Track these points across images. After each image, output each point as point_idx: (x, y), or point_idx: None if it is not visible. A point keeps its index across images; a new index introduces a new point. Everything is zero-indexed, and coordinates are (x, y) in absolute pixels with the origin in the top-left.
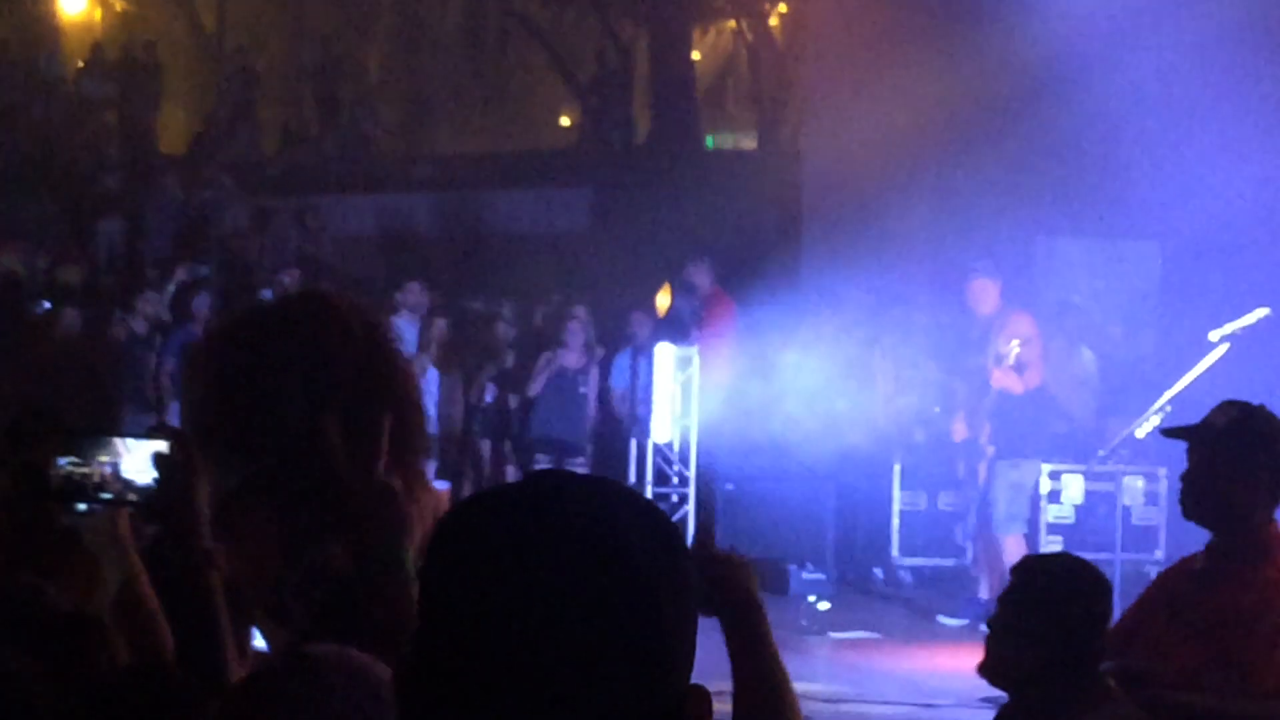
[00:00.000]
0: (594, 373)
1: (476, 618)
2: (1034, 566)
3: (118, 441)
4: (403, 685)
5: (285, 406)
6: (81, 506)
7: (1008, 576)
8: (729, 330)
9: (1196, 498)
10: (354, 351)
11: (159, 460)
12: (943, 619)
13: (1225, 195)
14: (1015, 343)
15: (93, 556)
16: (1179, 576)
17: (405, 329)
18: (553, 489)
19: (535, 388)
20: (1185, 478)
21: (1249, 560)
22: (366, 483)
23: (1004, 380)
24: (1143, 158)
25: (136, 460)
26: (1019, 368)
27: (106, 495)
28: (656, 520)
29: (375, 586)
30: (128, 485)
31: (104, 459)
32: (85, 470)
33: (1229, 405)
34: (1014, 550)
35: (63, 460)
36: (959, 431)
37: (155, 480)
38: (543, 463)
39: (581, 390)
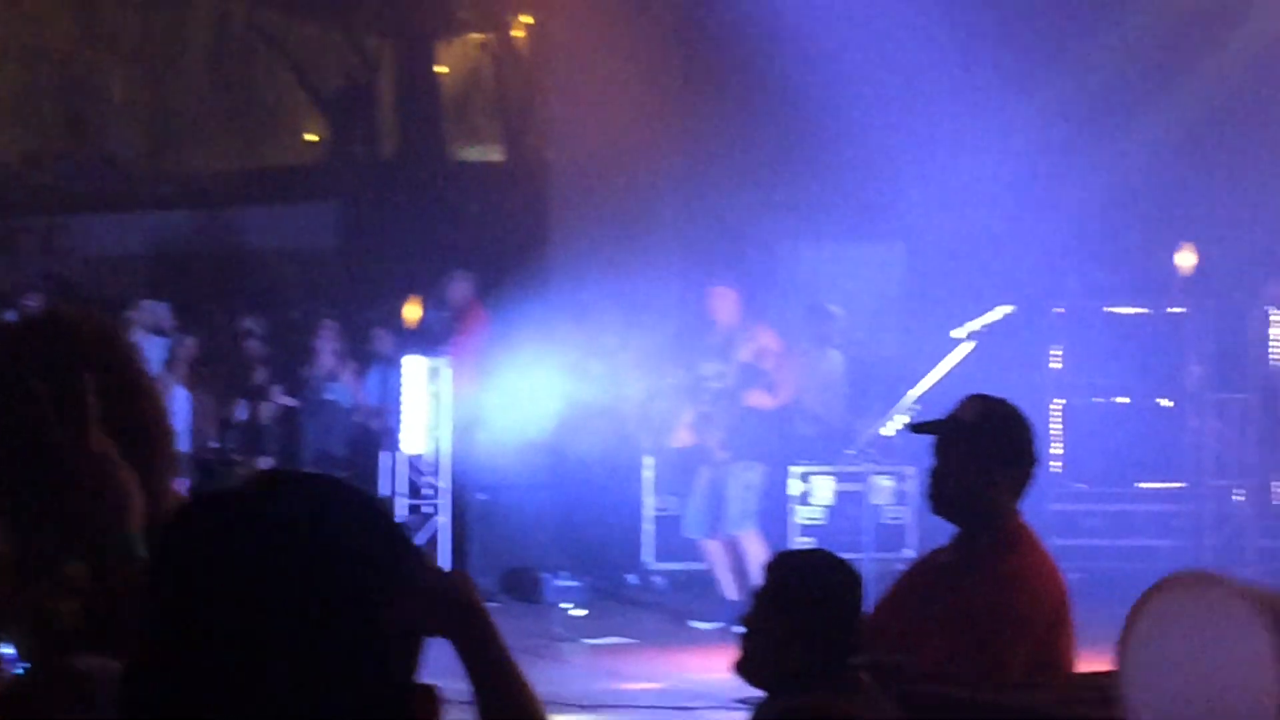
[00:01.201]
0: (346, 383)
1: (193, 611)
2: (785, 563)
3: None
4: (127, 679)
5: (18, 423)
6: None
7: (749, 574)
8: (481, 342)
9: (944, 492)
10: (90, 370)
11: None
12: (695, 623)
13: (965, 196)
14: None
15: None
16: (927, 569)
17: (144, 348)
18: (273, 487)
19: (287, 401)
20: (933, 472)
21: (994, 553)
22: (81, 452)
23: (757, 399)
24: (884, 162)
25: None
26: (771, 386)
27: None
28: (377, 517)
29: (114, 591)
30: None
31: None
32: None
33: (974, 399)
34: (754, 547)
35: None
36: (682, 438)
37: None
38: None
39: (329, 398)
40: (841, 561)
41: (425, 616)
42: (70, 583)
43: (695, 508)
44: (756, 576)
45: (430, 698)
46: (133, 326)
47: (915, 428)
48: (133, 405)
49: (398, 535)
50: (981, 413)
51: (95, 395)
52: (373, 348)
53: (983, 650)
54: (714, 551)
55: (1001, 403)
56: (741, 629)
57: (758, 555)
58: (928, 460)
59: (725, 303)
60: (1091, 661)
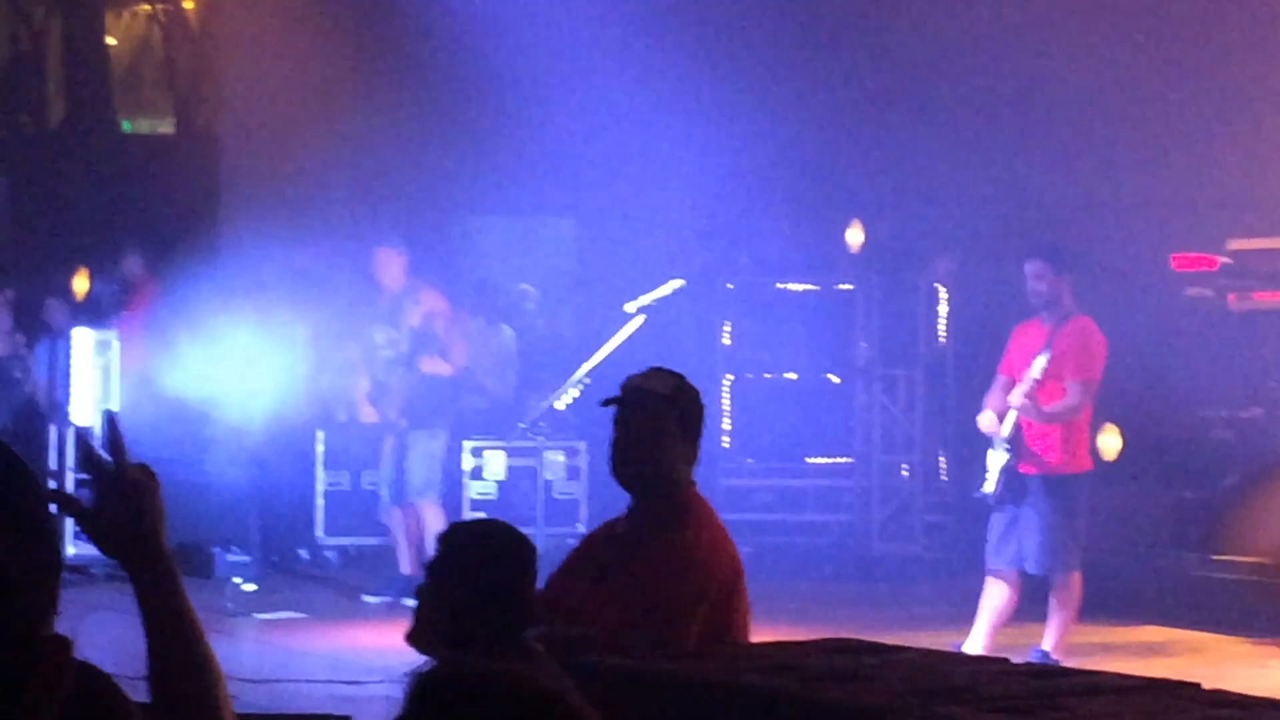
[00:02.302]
0: (20, 356)
1: None
2: (458, 532)
3: None
4: None
5: None
6: None
7: (428, 545)
8: (151, 315)
9: (630, 461)
10: None
11: None
12: (366, 597)
13: (637, 171)
14: (448, 327)
15: None
16: (602, 541)
17: None
18: None
19: None
20: (620, 442)
21: (672, 525)
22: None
23: (432, 366)
24: (555, 135)
25: None
26: (444, 351)
27: None
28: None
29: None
30: None
31: None
32: None
33: (661, 372)
34: (433, 518)
35: None
36: (367, 414)
37: None
38: None
39: (17, 375)
40: (515, 531)
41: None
42: None
43: (383, 475)
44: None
45: (64, 645)
46: None
47: (610, 401)
48: None
49: (13, 478)
50: (677, 385)
51: None
52: (44, 319)
53: (659, 621)
54: (398, 521)
55: (684, 377)
56: (415, 599)
57: (436, 526)
58: (599, 435)
59: (391, 265)
60: (763, 633)
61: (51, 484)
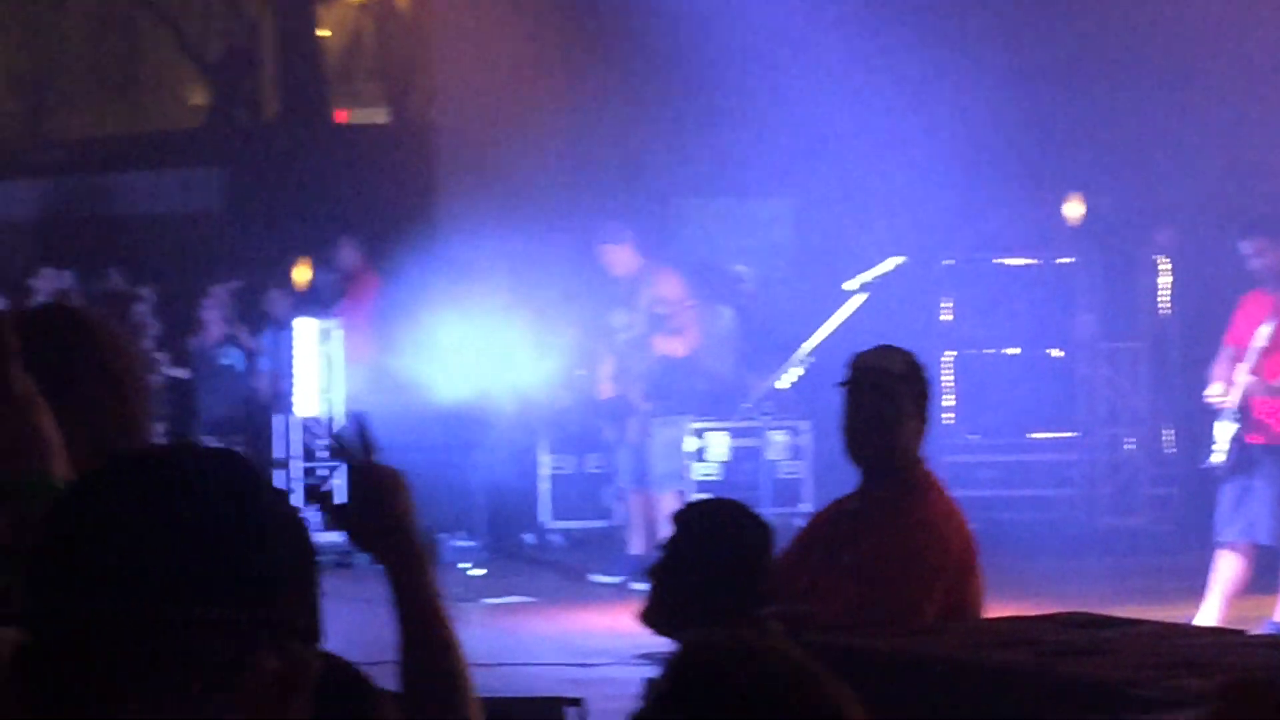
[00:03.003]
0: (241, 348)
1: (71, 572)
2: (693, 512)
3: None
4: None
5: None
6: None
7: (658, 530)
8: (371, 304)
9: (864, 440)
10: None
11: None
12: (595, 577)
13: (855, 149)
14: (686, 309)
15: None
16: (832, 518)
17: None
18: (172, 456)
19: (177, 373)
20: (853, 421)
21: (905, 501)
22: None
23: (666, 345)
24: (773, 116)
25: None
26: (676, 330)
27: None
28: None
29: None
30: None
31: None
32: None
33: (893, 350)
34: (669, 505)
35: None
36: (605, 390)
37: None
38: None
39: (225, 363)
40: (749, 510)
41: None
42: None
43: (624, 458)
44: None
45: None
46: (34, 293)
47: (847, 382)
48: (84, 367)
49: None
50: (907, 363)
51: (15, 338)
52: (266, 310)
53: (894, 597)
54: (634, 504)
55: (914, 354)
56: (649, 578)
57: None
58: (822, 414)
59: (619, 256)
60: (992, 609)
61: (278, 474)
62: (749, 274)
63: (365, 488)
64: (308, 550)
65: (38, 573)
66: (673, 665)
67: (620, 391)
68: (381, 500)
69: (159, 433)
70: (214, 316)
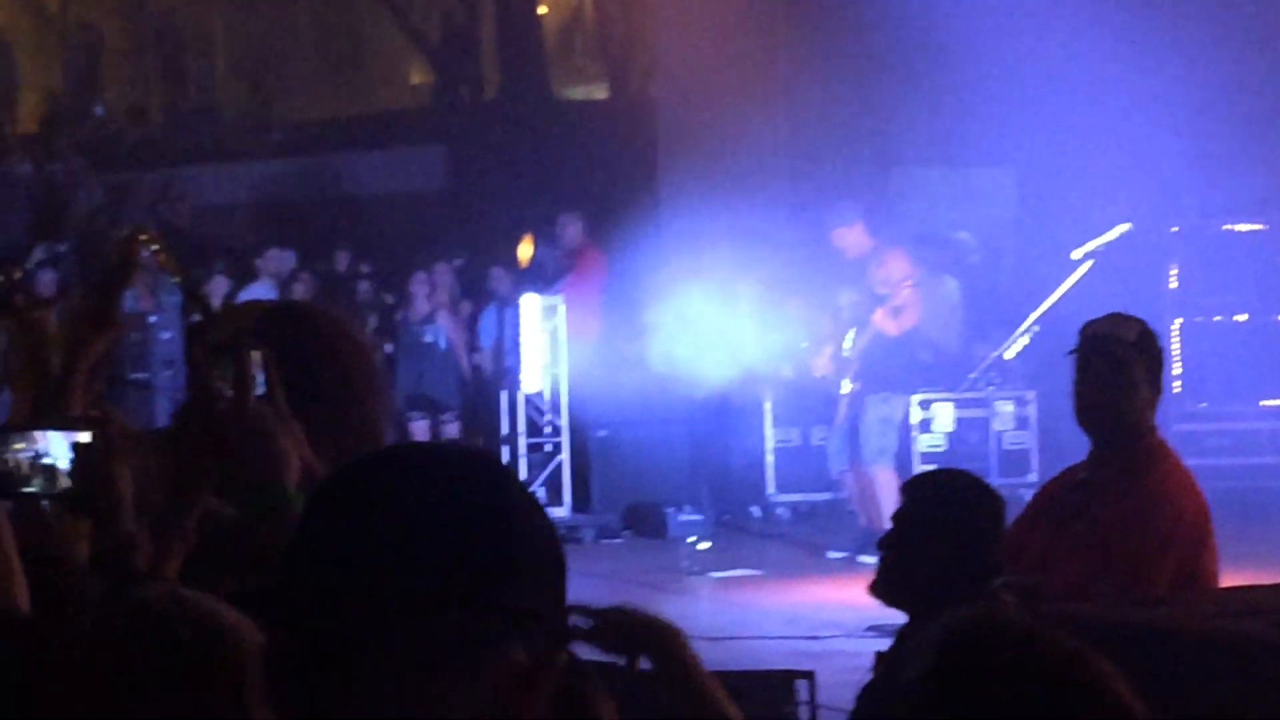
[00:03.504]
0: (447, 325)
1: (318, 564)
2: (924, 483)
3: (37, 432)
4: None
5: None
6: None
7: (881, 505)
8: (595, 280)
9: (1096, 408)
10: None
11: (79, 449)
12: (831, 554)
13: (1078, 117)
14: (906, 290)
15: None
16: (1062, 488)
17: (267, 294)
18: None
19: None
20: (1085, 389)
21: (1137, 470)
22: (240, 416)
23: (883, 323)
24: (995, 84)
25: (55, 449)
26: (895, 310)
27: (32, 488)
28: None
29: (251, 525)
30: (49, 476)
31: (19, 448)
32: (6, 461)
33: (1125, 318)
34: (885, 482)
35: None
36: (820, 367)
37: (75, 470)
38: (416, 421)
39: (429, 340)
40: (981, 482)
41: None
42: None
43: (834, 440)
44: (886, 507)
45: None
46: (258, 273)
47: (1077, 350)
48: (327, 375)
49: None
50: (1139, 331)
51: (273, 369)
52: (489, 287)
53: (1127, 567)
54: (850, 483)
55: (1145, 322)
56: (881, 550)
57: (889, 488)
58: (1049, 383)
59: (850, 237)
60: (1223, 579)
61: (503, 450)
62: (973, 241)
63: None
64: (556, 552)
65: (293, 567)
66: (939, 643)
67: (835, 371)
68: None
69: None
70: (420, 292)
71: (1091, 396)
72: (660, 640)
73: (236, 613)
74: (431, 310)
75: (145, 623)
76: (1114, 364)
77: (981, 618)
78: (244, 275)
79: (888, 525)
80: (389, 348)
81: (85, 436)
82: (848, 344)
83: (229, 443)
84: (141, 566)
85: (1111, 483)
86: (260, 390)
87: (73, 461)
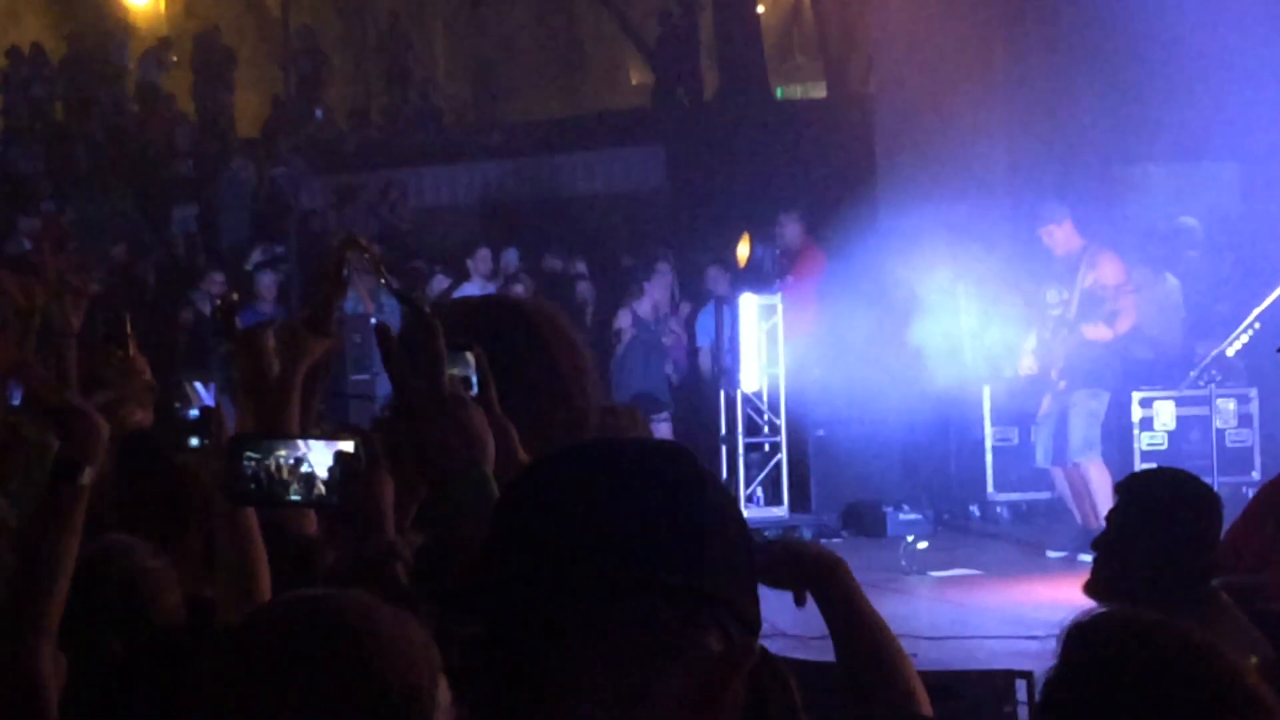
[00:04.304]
0: (673, 325)
1: (510, 553)
2: (1140, 482)
3: (300, 441)
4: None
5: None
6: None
7: (1096, 501)
8: (815, 279)
9: None
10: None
11: (342, 459)
12: (1050, 553)
13: None
14: (1125, 296)
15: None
16: None
17: (479, 293)
18: (611, 452)
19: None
20: None
21: None
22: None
23: (1096, 332)
24: (1219, 79)
25: (317, 458)
26: (1111, 315)
27: (295, 497)
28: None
29: (460, 517)
30: (311, 485)
31: (283, 455)
32: (269, 470)
33: None
34: (1098, 475)
35: (246, 461)
36: (1026, 366)
37: (338, 479)
38: None
39: (665, 340)
40: (1199, 481)
41: (789, 571)
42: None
43: (1042, 436)
44: (1101, 503)
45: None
46: (470, 274)
47: None
48: (535, 371)
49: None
50: None
51: (485, 366)
52: (707, 287)
53: None
54: (1061, 480)
55: None
56: (1096, 550)
57: (1102, 483)
58: (1271, 382)
59: (1058, 235)
60: None
61: (723, 449)
62: (1199, 228)
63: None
64: (747, 543)
65: (491, 556)
66: (1063, 641)
67: (1040, 367)
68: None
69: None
70: (654, 291)
71: None
72: (826, 572)
73: (416, 628)
74: (656, 310)
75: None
76: None
77: (1104, 615)
78: (462, 275)
79: (1103, 522)
80: (618, 345)
81: (348, 446)
82: (1031, 343)
83: (426, 434)
84: (402, 577)
85: None
86: (474, 390)
87: (331, 470)
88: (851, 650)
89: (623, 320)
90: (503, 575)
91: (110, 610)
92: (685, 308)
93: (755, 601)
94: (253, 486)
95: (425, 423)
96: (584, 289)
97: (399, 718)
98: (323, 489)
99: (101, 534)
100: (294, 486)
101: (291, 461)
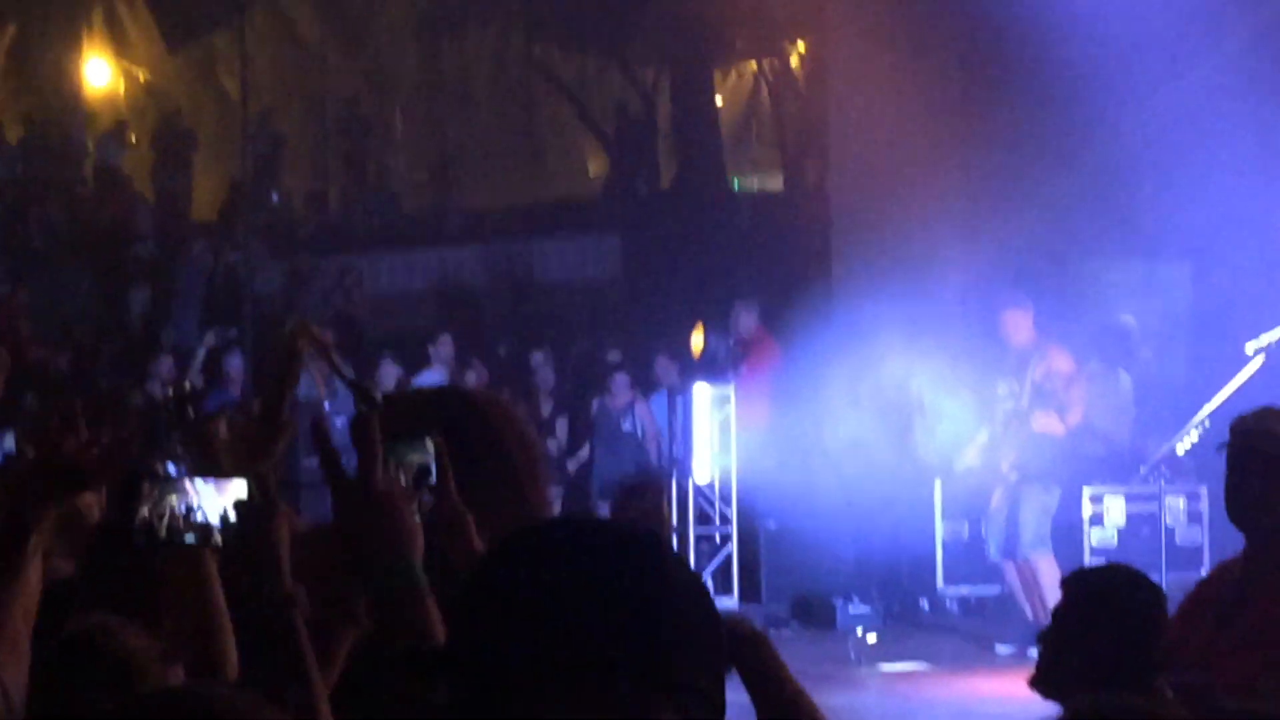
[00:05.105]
0: (640, 410)
1: (480, 630)
2: (1087, 578)
3: (188, 483)
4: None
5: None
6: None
7: (1045, 596)
8: (769, 369)
9: (1246, 505)
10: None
11: (239, 505)
12: (1000, 648)
13: (1255, 211)
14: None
15: (174, 596)
16: (1220, 584)
17: (439, 381)
18: (574, 534)
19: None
20: (1235, 485)
21: None
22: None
23: (1046, 423)
24: (1175, 178)
25: (208, 500)
26: (1061, 408)
27: (189, 538)
28: (674, 571)
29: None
30: (206, 527)
31: (175, 500)
32: (161, 513)
33: (1275, 412)
34: (1048, 570)
35: (141, 503)
36: (970, 458)
37: (233, 522)
38: (603, 509)
39: (626, 429)
40: (1144, 577)
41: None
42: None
43: (993, 530)
44: (1050, 598)
45: None
46: (430, 360)
47: (1227, 445)
48: (489, 463)
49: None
50: None
51: (445, 456)
52: (656, 377)
53: None
54: (1012, 574)
55: None
56: (1040, 644)
57: (1052, 578)
58: (1221, 480)
59: (1019, 322)
60: None
61: (674, 539)
62: (1136, 327)
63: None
64: (716, 629)
65: (459, 631)
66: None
67: (984, 460)
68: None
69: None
70: (621, 382)
71: (1242, 493)
72: (748, 648)
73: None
74: (630, 400)
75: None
76: (1266, 461)
77: (1102, 704)
78: (418, 362)
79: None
80: (585, 453)
81: (240, 489)
82: (982, 437)
83: (356, 524)
84: (300, 625)
85: (1270, 579)
86: (433, 479)
87: (224, 517)
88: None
89: (603, 409)
90: (471, 649)
91: (102, 690)
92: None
93: (719, 684)
94: (146, 529)
95: (354, 518)
96: (542, 377)
97: None
98: (216, 534)
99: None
100: (187, 531)
101: (184, 509)
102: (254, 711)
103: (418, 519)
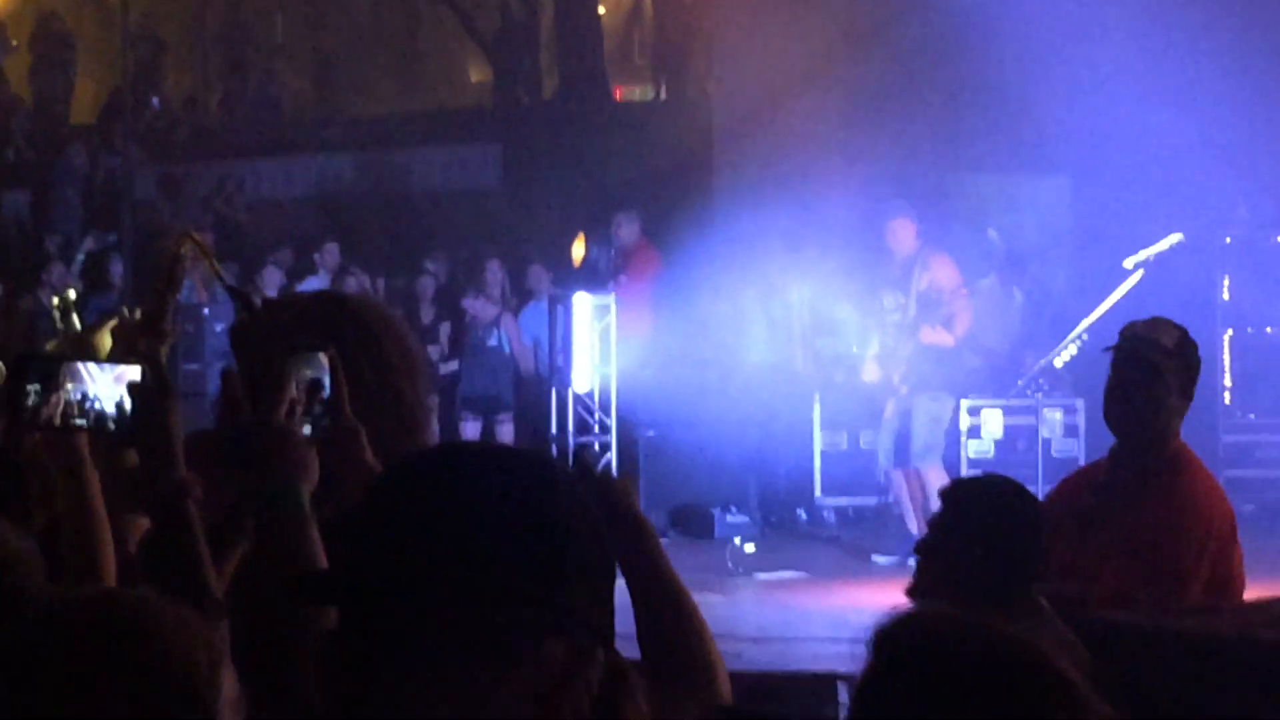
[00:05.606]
0: (508, 326)
1: (364, 561)
2: (963, 488)
3: (82, 368)
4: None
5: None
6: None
7: (932, 507)
8: (650, 279)
9: (1125, 410)
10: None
11: (132, 388)
12: (876, 558)
13: (1134, 127)
14: (960, 299)
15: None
16: (1079, 490)
17: (321, 288)
18: (454, 459)
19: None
20: (1116, 389)
21: (1163, 476)
22: (265, 428)
23: (934, 336)
24: (1051, 92)
25: (103, 387)
26: (948, 319)
27: (80, 422)
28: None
29: (274, 535)
30: (99, 413)
31: (70, 385)
32: (53, 397)
33: (1166, 324)
34: (936, 480)
35: (29, 387)
36: (870, 372)
37: (128, 407)
38: (469, 421)
39: (491, 344)
40: (1021, 488)
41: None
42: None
43: (884, 440)
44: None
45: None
46: (316, 268)
47: (1115, 348)
48: (366, 363)
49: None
50: (1178, 339)
51: (338, 369)
52: (539, 286)
53: (1162, 573)
54: (899, 483)
55: (1186, 331)
56: (918, 554)
57: (939, 487)
58: (1099, 394)
59: (903, 233)
60: (1267, 589)
61: (553, 449)
62: (997, 240)
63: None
64: (603, 553)
65: (345, 555)
66: (881, 638)
67: (883, 374)
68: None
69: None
70: (485, 298)
71: (1122, 397)
72: (634, 533)
73: (184, 611)
74: (498, 314)
75: (81, 624)
76: (1148, 367)
77: (912, 614)
78: (301, 270)
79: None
80: (455, 365)
81: (134, 373)
82: (874, 349)
83: (250, 452)
84: (194, 512)
85: (1140, 488)
86: (325, 393)
87: (119, 403)
88: (651, 614)
89: (471, 324)
90: (355, 575)
91: None
92: (513, 304)
93: (606, 610)
94: (35, 413)
95: (253, 450)
96: (426, 285)
97: (179, 711)
98: (110, 421)
99: None
100: (80, 417)
101: (79, 396)
102: (171, 617)
103: (311, 440)
